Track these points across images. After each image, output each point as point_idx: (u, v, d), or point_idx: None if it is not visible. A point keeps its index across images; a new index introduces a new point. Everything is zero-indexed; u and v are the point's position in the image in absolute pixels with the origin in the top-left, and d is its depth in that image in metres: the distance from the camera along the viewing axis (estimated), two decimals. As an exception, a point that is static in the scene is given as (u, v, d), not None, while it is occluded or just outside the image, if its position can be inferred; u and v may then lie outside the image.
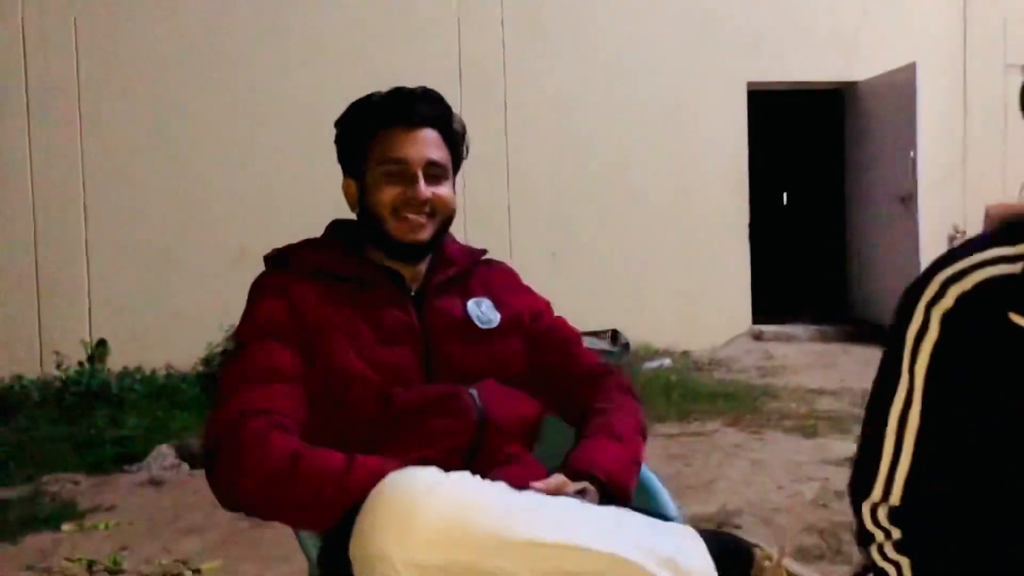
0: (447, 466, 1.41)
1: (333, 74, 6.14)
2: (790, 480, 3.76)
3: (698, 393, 5.29)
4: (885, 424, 1.09)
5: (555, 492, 1.34)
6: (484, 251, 1.68)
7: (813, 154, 9.23)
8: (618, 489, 1.42)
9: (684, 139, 6.70)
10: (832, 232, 7.87)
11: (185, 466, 4.43)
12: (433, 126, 1.53)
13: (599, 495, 1.40)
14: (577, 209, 6.51)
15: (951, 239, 7.18)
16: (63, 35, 5.89)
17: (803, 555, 2.96)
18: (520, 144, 6.43)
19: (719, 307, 6.73)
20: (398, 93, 1.54)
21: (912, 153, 6.36)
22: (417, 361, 1.49)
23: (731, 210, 6.77)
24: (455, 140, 1.57)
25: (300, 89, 6.12)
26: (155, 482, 4.05)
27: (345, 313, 1.48)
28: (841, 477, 3.79)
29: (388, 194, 1.51)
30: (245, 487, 1.29)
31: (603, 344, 6.25)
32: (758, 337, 6.77)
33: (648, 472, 1.55)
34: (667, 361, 6.11)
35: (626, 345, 6.29)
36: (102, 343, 5.77)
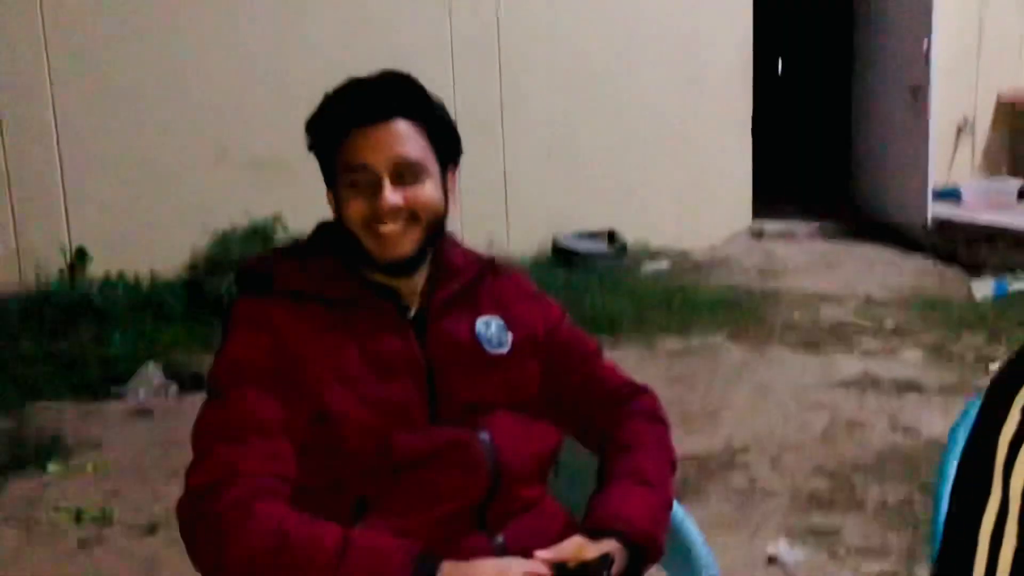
0: (457, 527, 1.26)
1: (312, -41, 5.70)
2: (797, 408, 3.66)
3: (698, 301, 5.15)
4: (975, 541, 0.94)
5: (571, 559, 1.19)
6: (492, 258, 1.47)
7: (820, 42, 8.81)
8: (648, 543, 1.27)
9: (685, 29, 6.31)
10: (837, 124, 7.57)
11: (174, 386, 4.33)
12: (402, 115, 1.28)
13: (627, 551, 1.25)
14: (572, 104, 6.19)
15: (959, 130, 6.92)
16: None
17: (813, 502, 2.88)
18: (512, 36, 6.04)
19: (719, 204, 6.50)
20: (351, 86, 1.30)
21: (926, 41, 6.01)
22: (420, 396, 1.30)
23: (734, 103, 6.46)
24: (436, 126, 1.32)
25: (277, -24, 5.69)
26: (143, 412, 3.93)
27: (335, 344, 1.28)
28: (849, 403, 3.70)
29: (355, 208, 1.29)
30: (228, 568, 1.13)
31: (600, 245, 6.08)
32: (758, 235, 6.59)
33: (680, 511, 1.39)
34: (665, 263, 5.95)
35: (623, 246, 6.10)
36: (82, 251, 5.54)
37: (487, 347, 1.36)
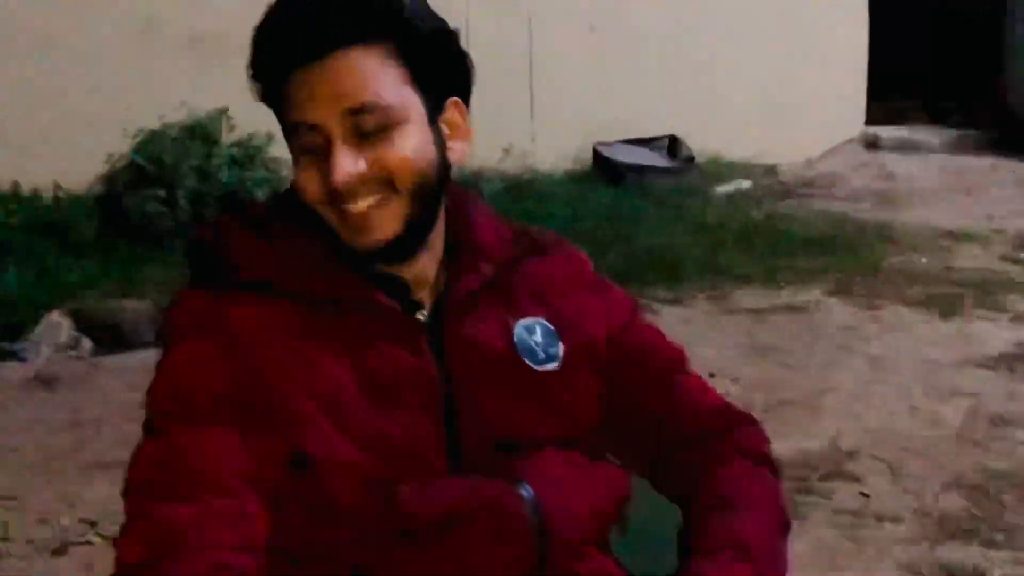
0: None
1: None
2: (925, 394, 3.66)
3: (790, 239, 5.13)
4: None
5: None
6: (536, 234, 1.39)
7: None
8: (755, 645, 1.22)
9: None
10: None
11: (86, 342, 4.37)
12: (356, 40, 1.18)
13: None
14: (625, -38, 6.08)
15: None
16: None
17: (946, 529, 2.85)
18: None
19: (820, 103, 6.43)
20: (279, 10, 1.19)
21: None
22: (435, 431, 1.25)
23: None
24: (416, 45, 1.21)
25: None
26: (46, 379, 3.94)
27: (317, 358, 1.22)
28: (995, 390, 3.66)
29: (308, 181, 1.21)
30: None
31: (657, 157, 6.02)
32: (873, 145, 6.55)
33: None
34: (746, 183, 5.94)
35: (690, 159, 6.06)
36: (-38, 156, 5.51)
37: (530, 361, 1.30)
